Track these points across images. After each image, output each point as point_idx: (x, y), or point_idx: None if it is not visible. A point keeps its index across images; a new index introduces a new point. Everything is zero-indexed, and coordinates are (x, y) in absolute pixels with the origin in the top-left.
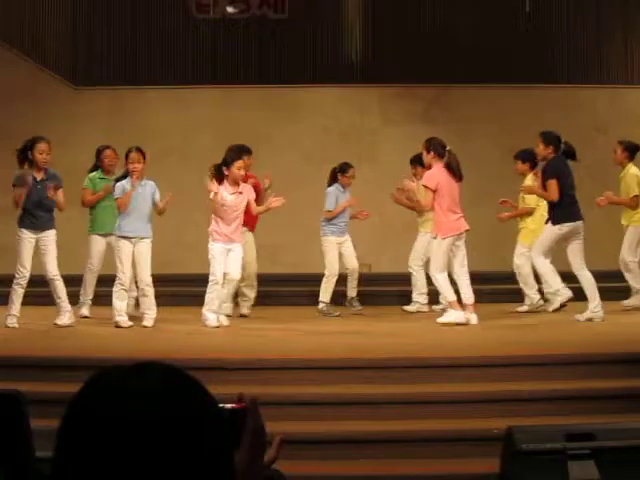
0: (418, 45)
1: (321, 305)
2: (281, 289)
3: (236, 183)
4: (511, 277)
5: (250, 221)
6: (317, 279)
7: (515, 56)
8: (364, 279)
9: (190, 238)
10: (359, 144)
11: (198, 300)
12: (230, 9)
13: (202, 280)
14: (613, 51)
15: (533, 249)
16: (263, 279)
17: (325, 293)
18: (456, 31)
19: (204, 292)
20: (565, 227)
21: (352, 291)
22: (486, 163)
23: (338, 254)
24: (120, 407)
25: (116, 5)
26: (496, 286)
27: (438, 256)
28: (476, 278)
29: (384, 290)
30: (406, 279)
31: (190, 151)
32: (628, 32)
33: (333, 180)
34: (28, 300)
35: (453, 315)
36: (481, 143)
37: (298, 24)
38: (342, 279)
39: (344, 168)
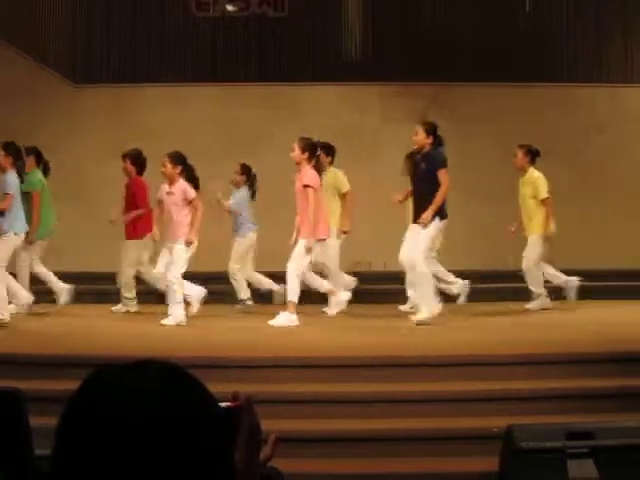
0: (418, 43)
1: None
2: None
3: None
4: (511, 276)
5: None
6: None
7: (515, 55)
8: (363, 277)
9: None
10: (359, 142)
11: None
12: (230, 7)
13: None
14: (612, 51)
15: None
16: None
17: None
18: (456, 29)
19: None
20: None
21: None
22: (486, 161)
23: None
24: (119, 405)
25: (116, 3)
26: (496, 285)
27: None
28: (475, 277)
29: (381, 289)
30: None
31: (190, 149)
32: (627, 32)
33: None
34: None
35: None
36: (481, 141)
37: (298, 22)
38: None
39: None
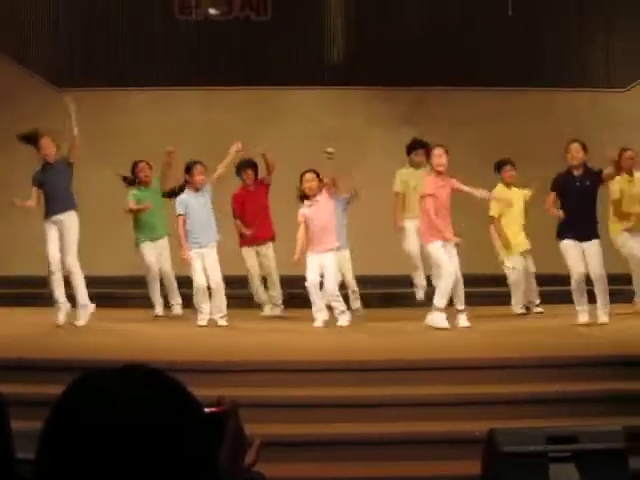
0: (401, 47)
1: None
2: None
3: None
4: (497, 280)
5: None
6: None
7: (497, 59)
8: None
9: None
10: (343, 147)
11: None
12: (212, 11)
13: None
14: (594, 55)
15: None
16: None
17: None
18: (439, 34)
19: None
20: None
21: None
22: (466, 167)
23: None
24: (104, 411)
25: (99, 6)
26: (482, 289)
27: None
28: (466, 280)
29: (365, 293)
30: (385, 281)
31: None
32: (610, 36)
33: None
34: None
35: None
36: (462, 146)
37: (280, 26)
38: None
39: None
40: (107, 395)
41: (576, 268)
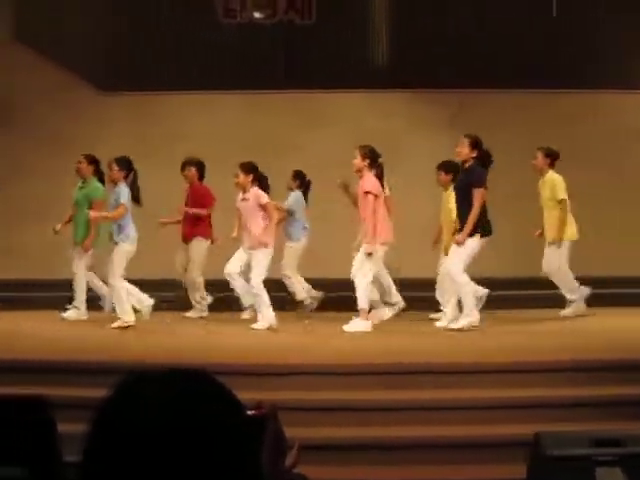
0: (445, 49)
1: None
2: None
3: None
4: (545, 283)
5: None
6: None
7: (543, 61)
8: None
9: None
10: (385, 150)
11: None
12: (257, 14)
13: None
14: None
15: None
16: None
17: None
18: (482, 35)
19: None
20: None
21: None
22: (511, 169)
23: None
24: (148, 414)
25: (143, 9)
26: (526, 292)
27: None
28: (502, 284)
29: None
30: (425, 285)
31: (215, 156)
32: None
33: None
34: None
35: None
36: (507, 149)
37: (324, 29)
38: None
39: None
40: (151, 397)
41: None
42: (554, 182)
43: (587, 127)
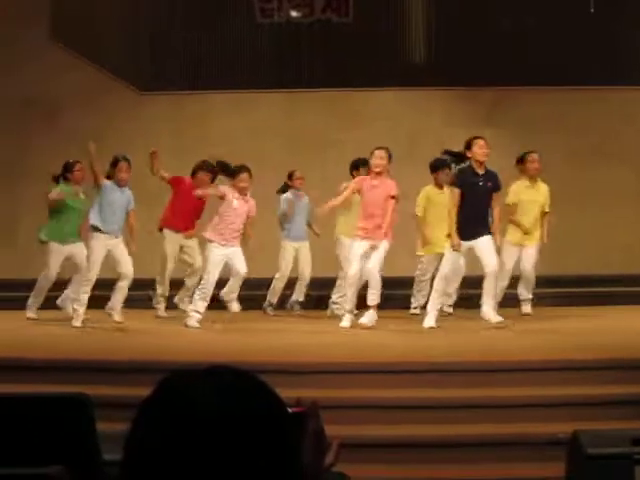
0: (482, 47)
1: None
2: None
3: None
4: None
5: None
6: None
7: (580, 58)
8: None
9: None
10: (422, 147)
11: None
12: (294, 13)
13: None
14: None
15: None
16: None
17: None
18: (519, 32)
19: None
20: None
21: (298, 295)
22: (548, 167)
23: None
24: (189, 413)
25: (180, 10)
26: (560, 289)
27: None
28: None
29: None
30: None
31: (253, 156)
32: None
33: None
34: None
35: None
36: (544, 146)
37: (362, 27)
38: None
39: (290, 173)
40: (194, 395)
41: None
42: (545, 188)
43: (624, 125)
